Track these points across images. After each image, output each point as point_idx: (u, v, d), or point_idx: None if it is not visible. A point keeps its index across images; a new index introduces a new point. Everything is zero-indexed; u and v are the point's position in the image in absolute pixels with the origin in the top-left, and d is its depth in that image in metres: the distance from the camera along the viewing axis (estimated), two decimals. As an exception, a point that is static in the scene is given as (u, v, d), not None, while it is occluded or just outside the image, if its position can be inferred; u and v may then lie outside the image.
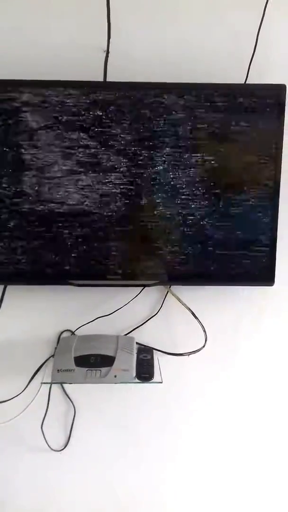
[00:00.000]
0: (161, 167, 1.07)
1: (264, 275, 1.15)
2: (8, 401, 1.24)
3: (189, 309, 1.22)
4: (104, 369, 1.08)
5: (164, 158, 1.06)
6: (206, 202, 1.09)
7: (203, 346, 1.22)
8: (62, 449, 1.31)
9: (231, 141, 1.07)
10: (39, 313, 1.25)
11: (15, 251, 1.11)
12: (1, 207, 1.08)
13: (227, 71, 1.12)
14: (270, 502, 1.37)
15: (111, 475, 1.34)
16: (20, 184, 1.07)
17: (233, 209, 1.10)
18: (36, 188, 1.07)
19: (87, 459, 1.32)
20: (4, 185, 1.07)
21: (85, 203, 1.08)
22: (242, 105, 1.05)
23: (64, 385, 1.28)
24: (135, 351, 1.16)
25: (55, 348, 1.20)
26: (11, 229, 1.09)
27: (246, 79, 1.13)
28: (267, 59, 1.13)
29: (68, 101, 1.03)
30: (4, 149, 1.05)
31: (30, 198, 1.07)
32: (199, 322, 1.22)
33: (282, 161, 1.08)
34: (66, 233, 1.10)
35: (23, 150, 1.05)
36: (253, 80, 1.12)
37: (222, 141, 1.06)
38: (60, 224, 1.09)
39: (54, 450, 1.30)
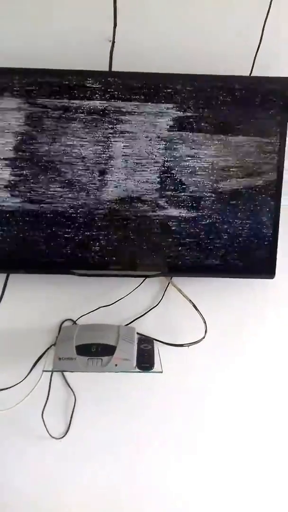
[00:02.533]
0: (167, 158, 1.07)
1: (264, 267, 1.16)
2: (9, 389, 1.25)
3: (190, 301, 1.23)
4: (105, 358, 1.09)
5: (168, 150, 1.07)
6: (210, 193, 1.10)
7: (203, 337, 1.22)
8: (62, 437, 1.32)
9: (234, 133, 1.07)
10: (41, 302, 1.26)
11: (17, 239, 1.11)
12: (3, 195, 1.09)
13: (233, 63, 1.11)
14: (273, 491, 1.38)
15: (111, 463, 1.35)
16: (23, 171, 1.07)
17: (234, 201, 1.11)
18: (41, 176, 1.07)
19: (87, 447, 1.34)
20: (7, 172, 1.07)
21: (89, 191, 1.09)
22: (246, 98, 1.04)
23: (65, 373, 1.29)
24: (136, 341, 1.17)
25: (57, 337, 1.21)
26: (13, 216, 1.10)
27: (251, 72, 1.12)
28: (272, 52, 1.12)
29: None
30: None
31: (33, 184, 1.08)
32: (200, 313, 1.23)
33: (286, 153, 1.08)
34: (67, 221, 1.10)
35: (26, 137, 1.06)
36: (258, 72, 1.12)
37: (226, 133, 1.07)
38: (62, 211, 1.10)
39: (54, 438, 1.31)
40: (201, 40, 1.13)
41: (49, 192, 1.08)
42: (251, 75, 1.13)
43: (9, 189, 1.08)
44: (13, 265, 1.15)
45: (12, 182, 1.08)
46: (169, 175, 1.08)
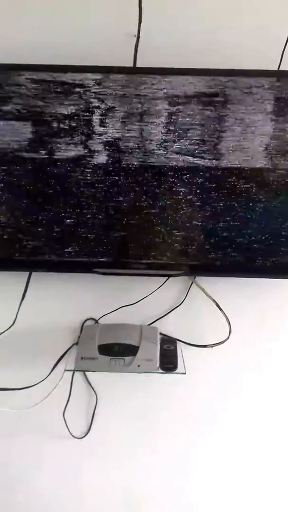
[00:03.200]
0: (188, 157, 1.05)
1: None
2: (31, 388, 1.25)
3: (214, 301, 1.21)
4: (127, 358, 1.08)
5: (196, 146, 1.05)
6: (235, 193, 1.07)
7: (227, 338, 1.20)
8: (84, 437, 1.31)
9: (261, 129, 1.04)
10: (63, 301, 1.25)
11: (40, 238, 1.11)
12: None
13: (260, 58, 1.08)
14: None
15: (131, 464, 1.34)
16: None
17: (260, 201, 1.08)
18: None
19: (108, 447, 1.33)
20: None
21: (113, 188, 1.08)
22: (275, 92, 1.02)
23: (87, 373, 1.28)
24: (158, 341, 1.15)
25: (79, 336, 1.21)
26: (37, 216, 1.10)
27: (279, 65, 1.09)
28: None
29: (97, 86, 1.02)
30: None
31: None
32: (224, 313, 1.21)
33: None
34: (92, 219, 1.10)
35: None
36: (286, 67, 1.09)
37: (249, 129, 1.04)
38: (86, 209, 1.09)
39: (76, 437, 1.31)
40: (226, 35, 1.10)
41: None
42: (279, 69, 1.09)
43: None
44: (36, 264, 1.14)
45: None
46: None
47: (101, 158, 1.06)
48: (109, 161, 1.06)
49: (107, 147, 1.05)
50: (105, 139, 1.05)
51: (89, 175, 1.07)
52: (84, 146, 1.05)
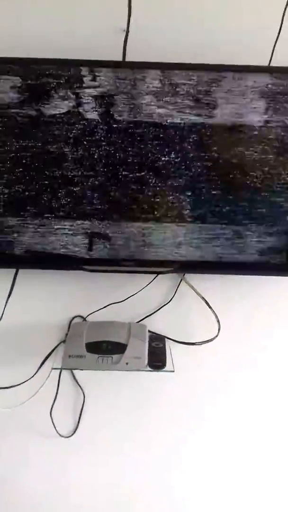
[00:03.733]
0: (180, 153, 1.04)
1: (280, 265, 1.13)
2: (18, 386, 1.24)
3: (203, 298, 1.20)
4: (115, 356, 1.07)
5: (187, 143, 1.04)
6: (223, 190, 1.07)
7: (216, 336, 1.20)
8: (71, 435, 1.30)
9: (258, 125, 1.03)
10: (50, 298, 1.23)
11: (26, 233, 1.09)
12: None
13: (251, 53, 1.08)
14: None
15: (119, 462, 1.33)
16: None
17: (251, 196, 1.07)
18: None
19: (95, 445, 1.32)
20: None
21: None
22: (267, 88, 1.01)
23: (74, 371, 1.27)
24: (147, 339, 1.14)
25: (66, 334, 1.19)
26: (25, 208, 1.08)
27: (270, 61, 1.09)
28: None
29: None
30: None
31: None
32: (213, 311, 1.20)
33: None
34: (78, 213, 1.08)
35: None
36: (277, 62, 1.08)
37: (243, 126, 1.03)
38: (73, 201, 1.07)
39: (63, 436, 1.30)
40: (217, 30, 1.09)
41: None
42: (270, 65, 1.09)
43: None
44: (23, 260, 1.12)
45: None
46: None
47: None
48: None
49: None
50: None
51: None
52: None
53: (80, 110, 1.02)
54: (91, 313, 1.23)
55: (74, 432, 1.30)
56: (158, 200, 1.07)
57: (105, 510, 1.36)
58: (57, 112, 1.02)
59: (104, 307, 1.22)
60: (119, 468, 1.34)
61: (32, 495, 1.35)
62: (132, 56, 1.08)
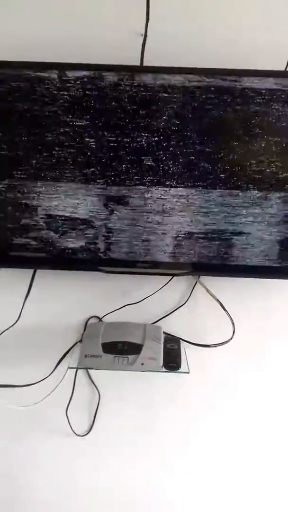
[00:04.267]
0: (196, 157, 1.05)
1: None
2: (35, 385, 1.25)
3: (218, 300, 1.21)
4: (131, 357, 1.08)
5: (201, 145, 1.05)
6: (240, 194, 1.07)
7: (231, 338, 1.20)
8: (86, 434, 1.32)
9: (272, 129, 1.04)
10: (67, 299, 1.25)
11: (46, 236, 1.11)
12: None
13: (267, 58, 1.08)
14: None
15: (133, 462, 1.34)
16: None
17: (266, 202, 1.08)
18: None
19: (110, 445, 1.33)
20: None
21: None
22: (282, 93, 1.01)
23: (90, 371, 1.28)
24: (162, 340, 1.15)
25: (82, 334, 1.21)
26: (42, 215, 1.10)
27: (286, 66, 1.09)
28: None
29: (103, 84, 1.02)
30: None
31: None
32: (228, 313, 1.21)
33: None
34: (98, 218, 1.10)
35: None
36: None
37: (263, 129, 1.03)
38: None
39: (78, 435, 1.31)
40: (233, 34, 1.10)
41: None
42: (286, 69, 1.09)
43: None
44: (41, 262, 1.14)
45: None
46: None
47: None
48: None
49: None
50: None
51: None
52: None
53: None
54: (107, 314, 1.25)
55: (89, 431, 1.32)
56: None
57: (120, 509, 1.37)
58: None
59: (120, 308, 1.24)
60: (133, 467, 1.35)
61: (47, 493, 1.37)
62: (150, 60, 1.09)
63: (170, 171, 1.06)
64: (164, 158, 1.06)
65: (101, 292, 1.24)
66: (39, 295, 1.24)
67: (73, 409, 1.28)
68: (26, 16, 1.11)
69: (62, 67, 1.01)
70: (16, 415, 1.30)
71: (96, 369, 1.22)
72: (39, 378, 1.25)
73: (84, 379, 1.29)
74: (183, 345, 1.20)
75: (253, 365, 1.28)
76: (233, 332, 1.20)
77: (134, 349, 1.09)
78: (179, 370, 1.10)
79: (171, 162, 1.06)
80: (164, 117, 1.03)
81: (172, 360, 1.12)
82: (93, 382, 1.29)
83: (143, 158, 1.06)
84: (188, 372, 1.11)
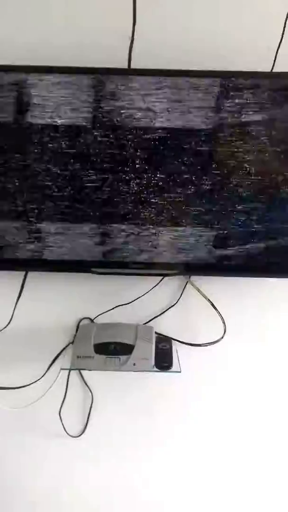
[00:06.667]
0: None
1: (286, 267, 1.14)
2: (27, 387, 1.26)
3: (209, 300, 1.22)
4: (123, 357, 1.09)
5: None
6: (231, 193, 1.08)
7: (222, 338, 1.21)
8: (79, 435, 1.32)
9: (258, 131, 1.04)
10: (59, 301, 1.26)
11: (37, 237, 1.11)
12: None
13: (254, 59, 1.09)
14: None
15: (127, 462, 1.35)
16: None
17: (258, 199, 1.09)
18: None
19: (104, 445, 1.34)
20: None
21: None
22: (269, 94, 1.02)
23: (82, 372, 1.29)
24: (154, 340, 1.16)
25: (74, 335, 1.21)
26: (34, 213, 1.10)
27: (272, 67, 1.10)
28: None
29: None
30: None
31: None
32: (219, 313, 1.22)
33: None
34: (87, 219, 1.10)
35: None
36: (280, 68, 1.09)
37: (250, 132, 1.04)
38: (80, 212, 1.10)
39: (72, 436, 1.32)
40: (220, 36, 1.11)
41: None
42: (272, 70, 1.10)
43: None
44: (32, 263, 1.15)
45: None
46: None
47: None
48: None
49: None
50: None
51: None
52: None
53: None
54: (99, 315, 1.25)
55: (83, 431, 1.32)
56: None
57: (113, 509, 1.38)
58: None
59: (112, 309, 1.24)
60: (127, 468, 1.36)
61: (41, 495, 1.37)
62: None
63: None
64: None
65: (93, 294, 1.25)
66: (31, 298, 1.24)
67: (67, 410, 1.29)
68: (8, 18, 1.11)
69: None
70: (9, 417, 1.31)
71: (88, 370, 1.23)
72: (32, 380, 1.26)
73: (77, 380, 1.29)
74: (174, 344, 1.21)
75: (244, 364, 1.29)
76: (224, 331, 1.21)
77: (126, 349, 1.10)
78: (170, 370, 1.11)
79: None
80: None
81: (163, 359, 1.13)
82: (86, 383, 1.30)
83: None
84: (179, 372, 1.11)
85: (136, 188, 1.08)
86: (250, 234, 1.11)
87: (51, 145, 1.05)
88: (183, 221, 1.10)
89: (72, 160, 1.06)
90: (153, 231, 1.11)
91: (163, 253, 1.13)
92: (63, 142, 1.05)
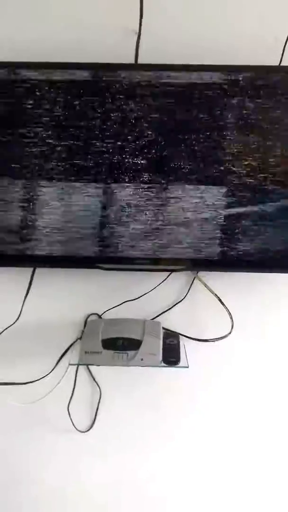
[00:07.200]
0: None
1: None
2: (36, 382, 1.26)
3: (216, 295, 1.22)
4: (131, 353, 1.09)
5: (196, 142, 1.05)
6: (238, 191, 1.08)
7: (230, 333, 1.21)
8: (88, 430, 1.33)
9: (267, 126, 1.04)
10: (67, 296, 1.26)
11: (45, 233, 1.12)
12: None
13: (261, 53, 1.09)
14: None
15: (136, 457, 1.35)
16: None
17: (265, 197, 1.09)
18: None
19: (112, 440, 1.34)
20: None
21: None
22: (278, 88, 1.02)
23: (90, 367, 1.29)
24: (161, 335, 1.16)
25: (82, 331, 1.22)
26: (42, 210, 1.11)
27: (280, 61, 1.10)
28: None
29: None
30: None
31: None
32: (226, 308, 1.22)
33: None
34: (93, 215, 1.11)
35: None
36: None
37: (257, 127, 1.04)
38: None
39: (80, 431, 1.32)
40: (226, 31, 1.11)
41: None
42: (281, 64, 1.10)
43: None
44: (40, 260, 1.15)
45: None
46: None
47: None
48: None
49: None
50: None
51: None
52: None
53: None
54: (107, 311, 1.26)
55: (91, 427, 1.33)
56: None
57: (121, 505, 1.39)
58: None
59: (119, 304, 1.25)
60: (135, 463, 1.36)
61: (49, 490, 1.38)
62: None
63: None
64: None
65: (100, 289, 1.25)
66: (39, 293, 1.25)
67: (75, 405, 1.29)
68: (13, 14, 1.11)
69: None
70: (18, 412, 1.32)
71: (96, 365, 1.24)
72: (40, 375, 1.26)
73: (85, 375, 1.30)
74: (182, 340, 1.21)
75: (252, 359, 1.29)
76: (232, 327, 1.21)
77: (134, 344, 1.10)
78: (178, 365, 1.11)
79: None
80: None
81: (171, 355, 1.13)
82: (94, 379, 1.30)
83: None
84: (187, 367, 1.11)
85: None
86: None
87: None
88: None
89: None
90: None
91: (170, 248, 1.13)
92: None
